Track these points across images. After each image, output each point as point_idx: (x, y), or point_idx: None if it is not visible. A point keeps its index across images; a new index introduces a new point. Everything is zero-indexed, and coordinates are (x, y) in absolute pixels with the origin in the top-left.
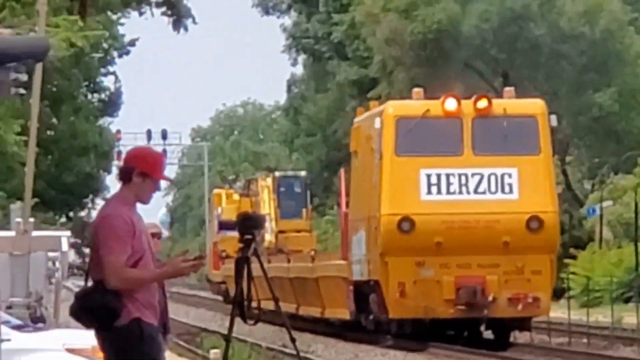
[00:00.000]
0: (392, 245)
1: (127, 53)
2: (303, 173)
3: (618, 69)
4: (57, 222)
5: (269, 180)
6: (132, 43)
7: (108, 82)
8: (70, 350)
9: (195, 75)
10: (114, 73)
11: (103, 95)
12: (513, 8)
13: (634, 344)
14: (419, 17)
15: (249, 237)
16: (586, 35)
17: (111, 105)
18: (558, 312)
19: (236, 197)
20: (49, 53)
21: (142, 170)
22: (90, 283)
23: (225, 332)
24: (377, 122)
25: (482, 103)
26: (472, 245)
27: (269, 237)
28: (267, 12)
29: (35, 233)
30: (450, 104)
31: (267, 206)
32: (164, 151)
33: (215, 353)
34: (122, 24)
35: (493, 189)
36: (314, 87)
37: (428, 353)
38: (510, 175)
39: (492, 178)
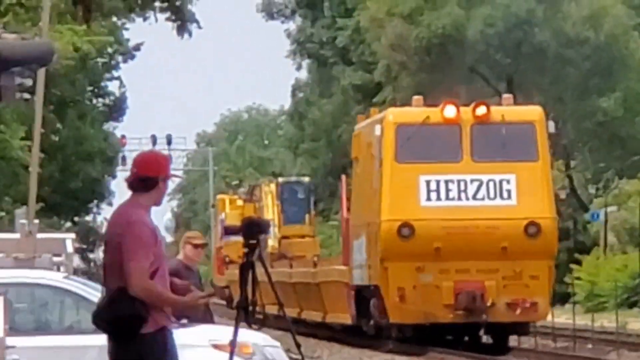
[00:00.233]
0: (392, 251)
1: (132, 58)
2: (306, 179)
3: (623, 74)
4: (62, 227)
5: (273, 186)
6: (137, 48)
7: (113, 87)
8: (217, 346)
9: (200, 80)
10: (118, 78)
11: (108, 100)
12: (518, 13)
13: (639, 349)
14: (424, 22)
15: (254, 242)
16: (591, 40)
17: (116, 110)
18: (562, 318)
19: (240, 202)
20: (54, 58)
21: (165, 176)
22: (103, 289)
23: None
24: (378, 129)
25: (481, 110)
26: (471, 251)
27: (272, 242)
28: (271, 17)
29: (39, 235)
30: (450, 111)
31: (270, 212)
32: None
33: None
34: (126, 29)
35: (492, 195)
36: (319, 92)
37: (428, 357)
38: (508, 182)
39: (491, 184)
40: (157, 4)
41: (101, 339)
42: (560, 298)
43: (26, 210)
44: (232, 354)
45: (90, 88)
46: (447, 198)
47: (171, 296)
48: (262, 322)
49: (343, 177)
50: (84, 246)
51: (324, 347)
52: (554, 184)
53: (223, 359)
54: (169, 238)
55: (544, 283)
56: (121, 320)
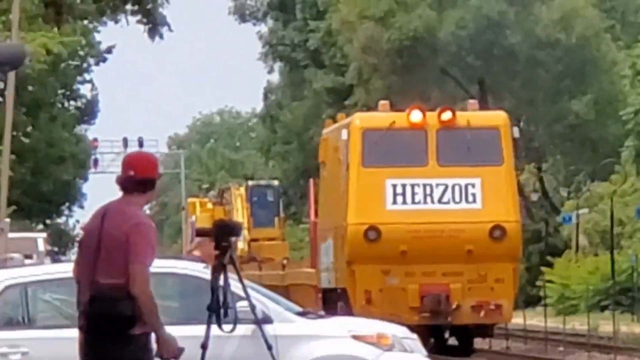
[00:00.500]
0: (359, 254)
1: (104, 61)
2: (276, 182)
3: (594, 77)
4: (34, 230)
5: (242, 189)
6: (109, 51)
7: (85, 89)
8: (356, 337)
9: (172, 83)
10: (90, 81)
11: (80, 103)
12: (489, 15)
13: (611, 352)
14: (396, 24)
15: (226, 244)
16: (562, 42)
17: (88, 113)
18: (534, 320)
19: (210, 205)
20: (26, 60)
21: (158, 176)
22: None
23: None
24: (344, 134)
25: (446, 115)
26: (437, 254)
27: (241, 245)
28: (243, 19)
29: (11, 235)
30: (415, 116)
31: (240, 215)
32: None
33: None
34: (98, 32)
35: (457, 198)
36: (291, 95)
37: None
38: (473, 186)
39: (456, 188)
40: (128, 7)
41: (244, 329)
42: (532, 300)
43: None
44: (203, 355)
45: (62, 91)
46: (413, 202)
47: (158, 317)
48: (234, 325)
49: (311, 180)
50: (56, 249)
51: None
52: (524, 187)
53: (362, 350)
54: None
55: (508, 285)
56: (121, 318)
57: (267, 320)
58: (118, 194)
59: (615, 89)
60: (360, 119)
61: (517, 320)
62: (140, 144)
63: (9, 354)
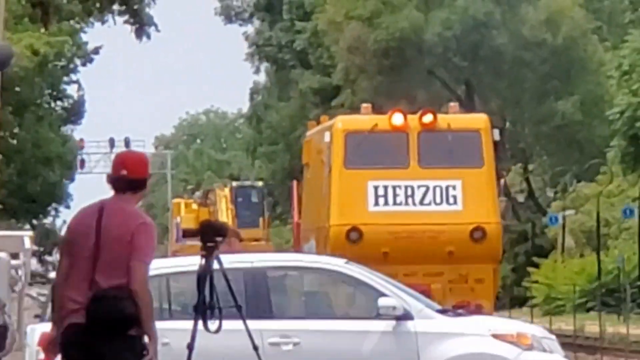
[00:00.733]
0: (341, 255)
1: (91, 61)
2: (260, 183)
3: (580, 77)
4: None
5: (227, 190)
6: (96, 51)
7: (71, 90)
8: (496, 336)
9: (158, 84)
10: (77, 81)
11: (66, 104)
12: (475, 16)
13: (596, 352)
14: (382, 25)
15: (212, 245)
16: (548, 43)
17: (74, 113)
18: (520, 320)
19: (195, 206)
20: (12, 60)
21: (149, 176)
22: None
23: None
24: (327, 136)
25: (428, 118)
26: (418, 255)
27: (226, 246)
28: (230, 20)
29: None
30: (397, 118)
31: (224, 215)
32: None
33: None
34: (85, 32)
35: (438, 200)
36: (277, 96)
37: None
38: (454, 187)
39: (437, 190)
40: (115, 7)
41: (384, 325)
42: (518, 301)
43: None
44: (189, 356)
45: (48, 91)
46: (395, 203)
47: (153, 315)
48: (219, 325)
49: (294, 182)
50: (42, 249)
51: None
52: (510, 187)
53: (502, 348)
54: None
55: (488, 286)
56: (126, 318)
57: (408, 316)
58: (104, 194)
59: (602, 89)
60: (343, 122)
61: None
62: (127, 144)
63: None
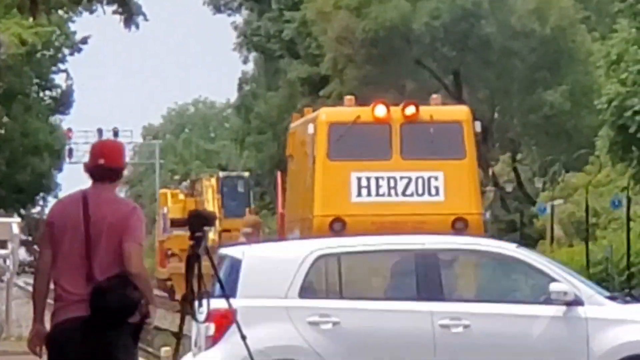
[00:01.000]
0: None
1: (79, 51)
2: (246, 173)
3: (569, 67)
4: None
5: (213, 181)
6: (84, 41)
7: (60, 79)
8: None
9: (147, 73)
10: (65, 71)
11: (55, 93)
12: (464, 6)
13: None
14: (371, 14)
15: (200, 234)
16: (537, 32)
17: (63, 103)
18: None
19: (182, 196)
20: (0, 50)
21: (125, 165)
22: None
23: (176, 329)
24: (311, 128)
25: (410, 109)
26: None
27: (212, 235)
28: (218, 10)
29: None
30: (380, 110)
31: (211, 205)
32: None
33: (166, 351)
34: (73, 21)
35: (420, 191)
36: (265, 85)
37: None
38: (436, 179)
39: (420, 181)
40: None
41: (554, 310)
42: None
43: None
44: (178, 345)
45: (37, 81)
46: (378, 194)
47: (152, 290)
48: (207, 315)
49: (279, 173)
50: (30, 238)
51: None
52: (498, 177)
53: None
54: None
55: None
56: (129, 306)
57: (578, 302)
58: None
59: (591, 79)
60: (326, 114)
61: None
62: (115, 134)
63: (320, 322)
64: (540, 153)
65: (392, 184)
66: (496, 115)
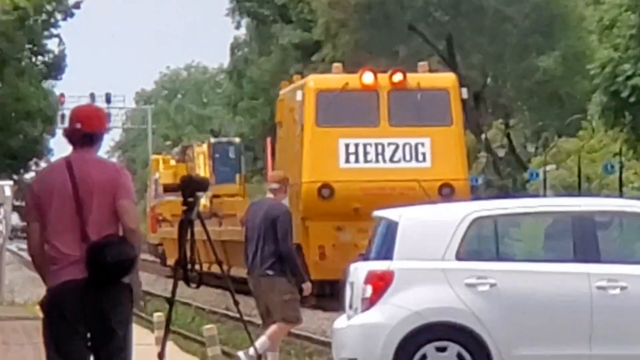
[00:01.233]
0: (313, 211)
1: (72, 16)
2: (237, 139)
3: (562, 33)
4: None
5: (204, 147)
6: (77, 5)
7: (52, 45)
8: None
9: (140, 39)
10: (58, 36)
11: (47, 58)
12: None
13: None
14: None
15: (192, 200)
16: None
17: (55, 68)
18: None
19: (173, 162)
20: None
21: (105, 130)
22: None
23: (168, 295)
24: (299, 95)
25: (397, 77)
26: None
27: (203, 201)
28: None
29: None
30: (368, 77)
31: (202, 171)
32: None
33: (158, 316)
34: None
35: (407, 157)
36: (258, 50)
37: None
38: (423, 145)
39: (407, 147)
40: None
41: None
42: None
43: None
44: (170, 310)
45: (29, 46)
46: (366, 160)
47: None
48: (200, 280)
49: (268, 139)
50: (23, 204)
51: None
52: (491, 143)
53: None
54: None
55: None
56: (127, 263)
57: None
58: None
59: (584, 45)
60: (315, 81)
61: None
62: (108, 100)
63: (477, 284)
64: (532, 119)
65: (379, 150)
66: (489, 80)
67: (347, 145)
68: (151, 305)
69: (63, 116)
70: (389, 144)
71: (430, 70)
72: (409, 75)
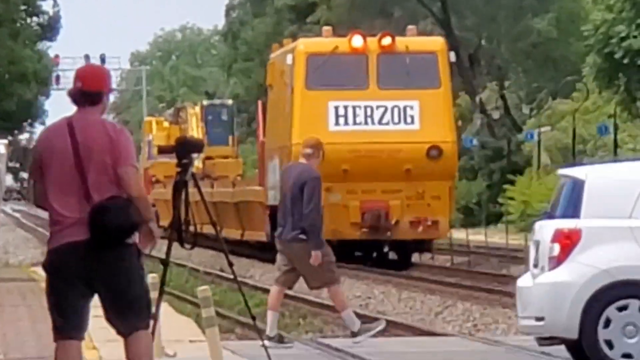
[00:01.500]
0: None
1: None
2: (230, 101)
3: None
4: None
5: (197, 109)
6: None
7: (47, 6)
8: None
9: None
10: None
11: (41, 19)
12: None
13: None
14: None
15: (187, 161)
16: None
17: (50, 29)
18: (496, 237)
19: (166, 124)
20: None
21: (108, 90)
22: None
23: (163, 256)
24: (289, 59)
25: (386, 40)
26: (377, 173)
27: (196, 162)
28: None
29: None
30: (357, 41)
31: (195, 133)
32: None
33: (153, 277)
34: None
35: (396, 120)
36: (252, 12)
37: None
38: (412, 108)
39: (395, 110)
40: None
41: None
42: (494, 218)
43: None
44: (165, 272)
45: (23, 7)
46: (355, 123)
47: (150, 206)
48: (194, 242)
49: (259, 102)
50: (17, 165)
51: (256, 267)
52: (486, 104)
53: None
54: None
55: (444, 203)
56: (130, 225)
57: None
58: None
59: (578, 6)
60: (305, 44)
61: (461, 235)
62: (102, 61)
63: None
64: (527, 80)
65: (368, 113)
66: (483, 42)
67: (336, 108)
68: (145, 267)
69: (58, 77)
70: (378, 106)
71: (425, 33)
72: (397, 38)
